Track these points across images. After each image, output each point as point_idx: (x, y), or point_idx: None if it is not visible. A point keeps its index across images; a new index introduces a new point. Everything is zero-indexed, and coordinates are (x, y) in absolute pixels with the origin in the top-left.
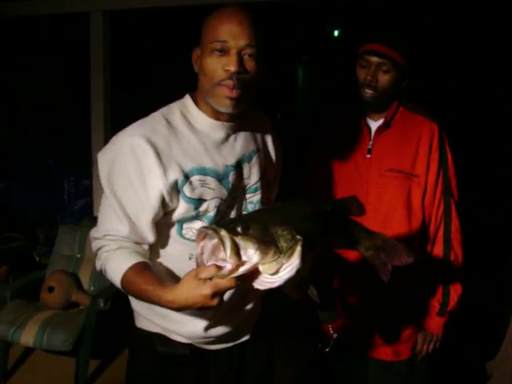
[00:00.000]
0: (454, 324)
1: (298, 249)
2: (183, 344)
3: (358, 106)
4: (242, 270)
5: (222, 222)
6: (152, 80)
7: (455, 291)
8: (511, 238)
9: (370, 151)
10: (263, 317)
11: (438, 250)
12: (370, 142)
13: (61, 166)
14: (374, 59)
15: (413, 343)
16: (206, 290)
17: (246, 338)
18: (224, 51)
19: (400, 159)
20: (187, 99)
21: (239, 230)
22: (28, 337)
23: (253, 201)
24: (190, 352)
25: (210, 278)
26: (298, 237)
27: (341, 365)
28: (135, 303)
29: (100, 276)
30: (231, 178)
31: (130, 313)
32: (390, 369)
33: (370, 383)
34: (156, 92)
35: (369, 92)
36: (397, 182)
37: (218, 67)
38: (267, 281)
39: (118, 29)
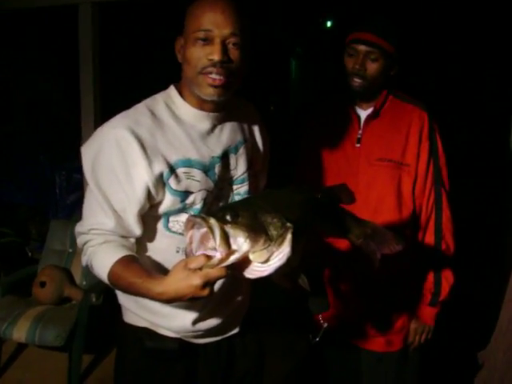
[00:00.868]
0: (445, 314)
1: (289, 236)
2: (171, 338)
3: (347, 95)
4: (232, 258)
5: (211, 210)
6: (142, 73)
7: (447, 281)
8: (502, 230)
9: (359, 140)
10: (252, 310)
11: (429, 239)
12: (360, 132)
13: (52, 161)
14: (362, 48)
15: (405, 334)
16: (196, 280)
17: (235, 331)
18: (208, 40)
19: (390, 148)
20: (172, 90)
21: (228, 218)
22: (20, 332)
23: (240, 192)
24: (179, 346)
25: (200, 268)
26: (289, 224)
27: (333, 357)
28: (122, 297)
29: None
30: (217, 169)
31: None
32: (383, 360)
33: (363, 375)
34: (146, 85)
35: (357, 81)
36: (387, 172)
37: (202, 56)
38: (257, 269)
39: (107, 21)
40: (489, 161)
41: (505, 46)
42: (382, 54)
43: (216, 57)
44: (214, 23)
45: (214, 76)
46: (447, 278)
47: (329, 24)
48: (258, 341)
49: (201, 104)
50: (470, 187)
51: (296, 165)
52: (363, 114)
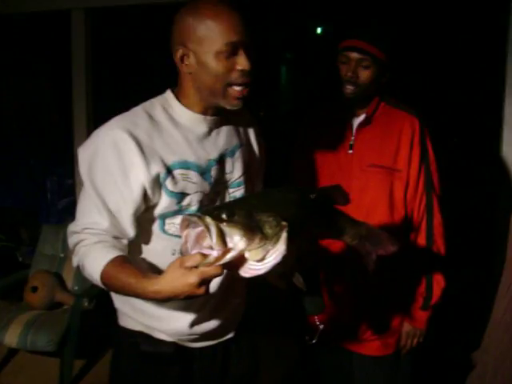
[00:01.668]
0: (438, 317)
1: (284, 235)
2: (167, 342)
3: (340, 101)
4: (228, 257)
5: (206, 209)
6: (135, 78)
7: (438, 285)
8: (492, 232)
9: (351, 147)
10: (247, 314)
11: (421, 243)
12: (352, 138)
13: (43, 166)
14: (354, 55)
15: (398, 337)
16: (193, 278)
17: (230, 335)
18: (232, 51)
19: (382, 154)
20: (168, 94)
21: (224, 216)
22: (12, 338)
23: (236, 195)
24: (174, 350)
25: (196, 267)
26: (284, 223)
27: (326, 360)
28: (118, 301)
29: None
30: (213, 172)
31: (114, 312)
32: (375, 363)
33: (356, 378)
34: (139, 91)
35: (350, 88)
36: (379, 177)
37: (230, 67)
38: (253, 268)
39: (100, 27)
40: (480, 165)
41: (494, 51)
42: (374, 61)
43: (247, 66)
44: (236, 33)
45: (241, 88)
46: (438, 281)
47: (319, 30)
48: (252, 345)
49: (204, 110)
50: (462, 192)
51: (288, 170)
52: (356, 120)
